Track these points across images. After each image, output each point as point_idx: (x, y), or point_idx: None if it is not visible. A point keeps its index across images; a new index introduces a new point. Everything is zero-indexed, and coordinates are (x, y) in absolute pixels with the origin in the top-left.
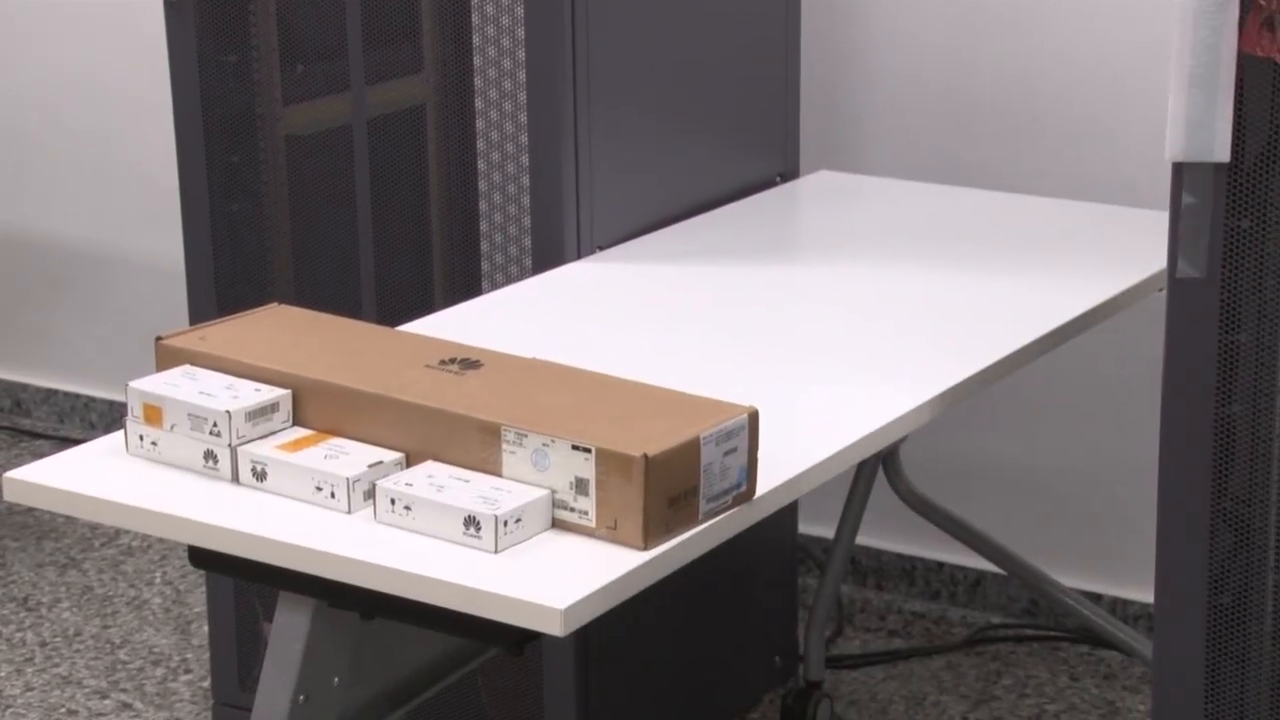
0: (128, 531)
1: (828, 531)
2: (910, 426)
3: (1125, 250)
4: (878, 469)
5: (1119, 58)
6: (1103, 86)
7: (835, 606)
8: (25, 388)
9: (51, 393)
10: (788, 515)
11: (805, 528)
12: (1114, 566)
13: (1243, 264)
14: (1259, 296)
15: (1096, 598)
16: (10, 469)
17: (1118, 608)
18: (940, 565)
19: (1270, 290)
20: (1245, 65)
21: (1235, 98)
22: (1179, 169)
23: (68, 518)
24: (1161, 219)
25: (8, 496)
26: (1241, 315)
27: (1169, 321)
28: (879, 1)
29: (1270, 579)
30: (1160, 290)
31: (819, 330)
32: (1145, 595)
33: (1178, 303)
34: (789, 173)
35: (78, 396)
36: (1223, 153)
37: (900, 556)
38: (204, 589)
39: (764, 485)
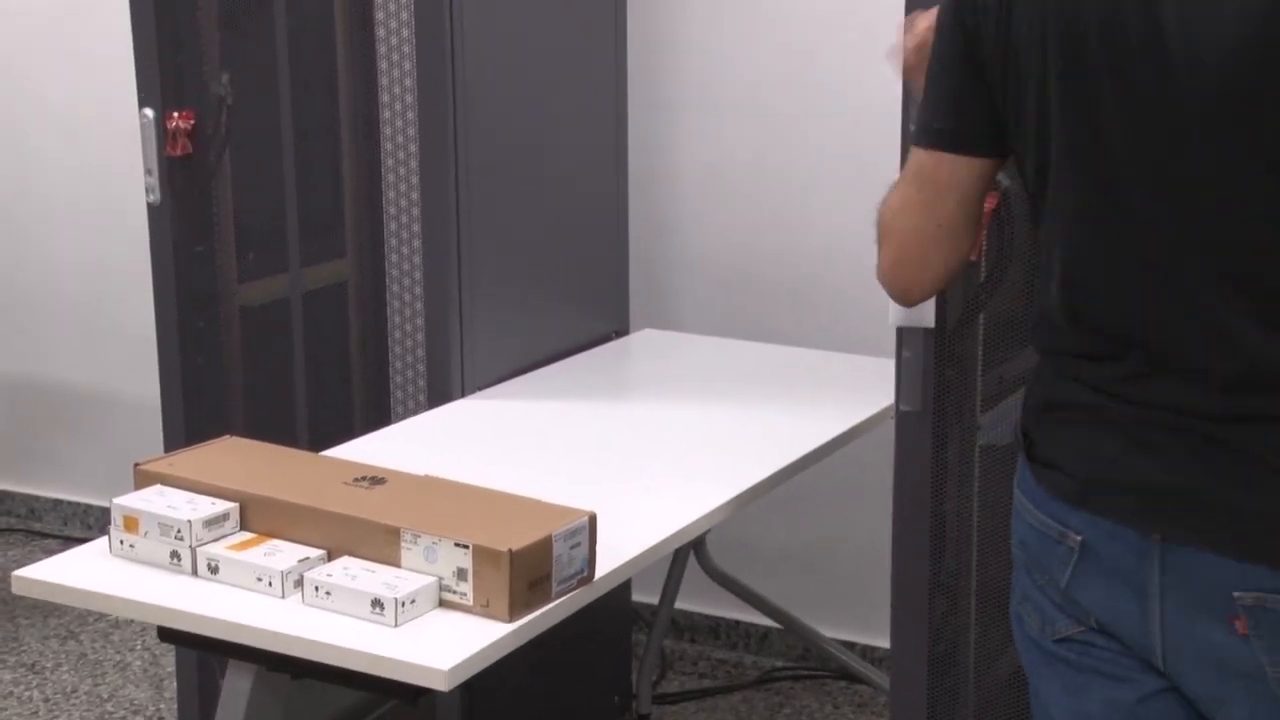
0: None
1: (653, 599)
2: (712, 521)
3: (870, 389)
4: (689, 552)
5: (863, 244)
6: (853, 266)
7: (660, 656)
8: (37, 498)
9: (58, 502)
10: (623, 588)
11: (637, 596)
12: (864, 621)
13: (948, 401)
14: (960, 425)
15: (851, 645)
16: (27, 563)
17: (867, 653)
18: (737, 623)
19: (968, 420)
20: None
21: None
22: (900, 332)
23: None
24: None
25: (16, 590)
26: (948, 438)
27: (897, 442)
28: (688, 198)
29: (972, 634)
30: (893, 418)
31: (644, 450)
32: (885, 642)
33: (901, 429)
34: (621, 330)
35: (78, 504)
36: (930, 321)
37: (707, 617)
38: (174, 654)
39: (602, 569)
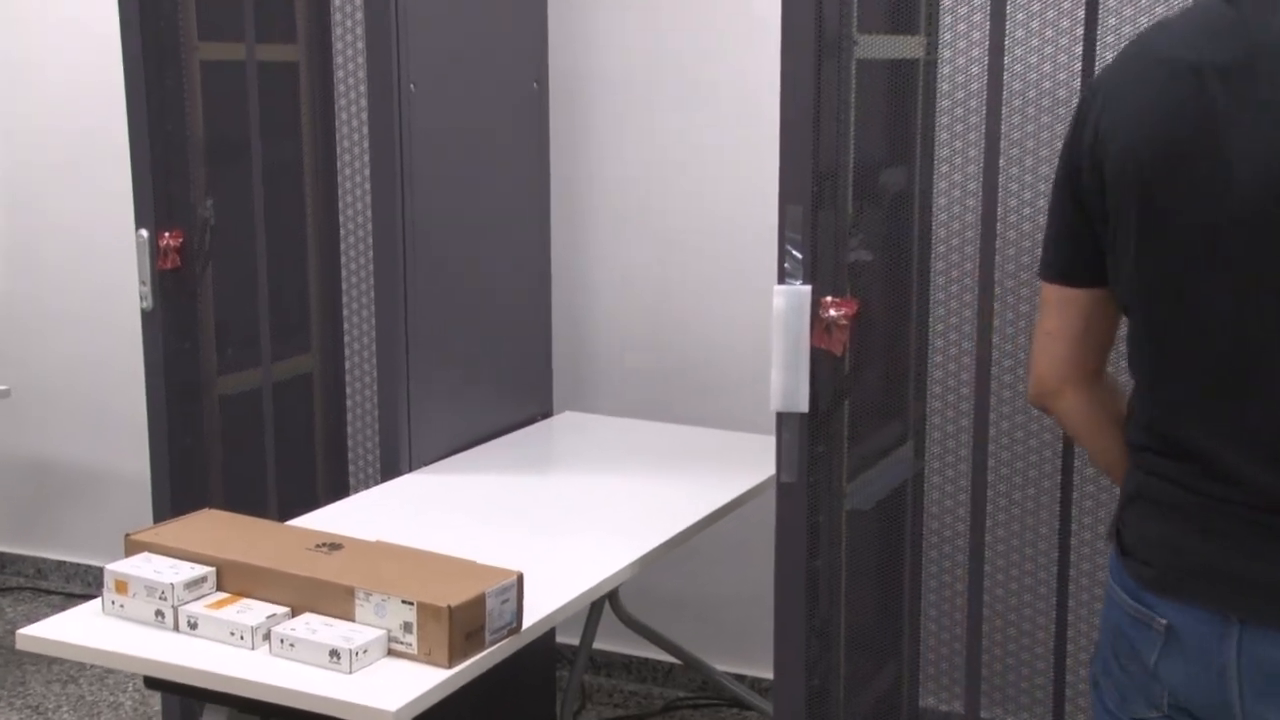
0: None
1: (574, 640)
2: (624, 577)
3: (755, 463)
4: (605, 602)
5: (754, 340)
6: (745, 358)
7: (580, 690)
8: (43, 560)
9: (61, 563)
10: (548, 633)
11: (560, 639)
12: (751, 658)
13: (819, 473)
14: (830, 493)
15: (741, 678)
16: (35, 617)
17: (755, 684)
18: (645, 660)
19: (836, 489)
20: (815, 353)
21: (810, 373)
22: (780, 415)
23: None
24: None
25: (21, 646)
26: (820, 505)
27: (777, 507)
28: (602, 301)
29: (841, 670)
30: (774, 487)
31: (565, 517)
32: (770, 675)
33: (781, 496)
34: (546, 412)
35: (79, 565)
36: (804, 406)
37: (622, 655)
38: (160, 698)
39: (529, 620)
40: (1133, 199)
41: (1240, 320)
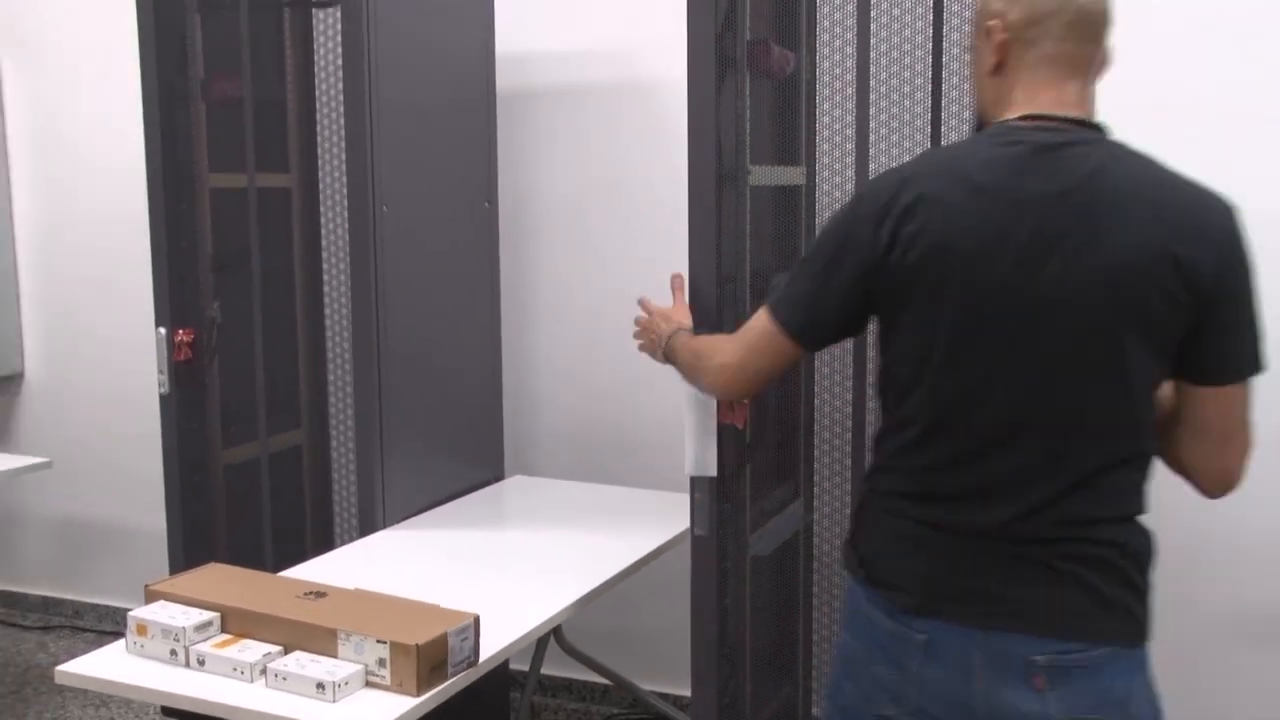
0: None
1: (525, 667)
2: (566, 615)
3: (674, 517)
4: (550, 635)
5: (671, 414)
6: (665, 428)
7: (530, 709)
8: (80, 603)
9: (95, 605)
10: (502, 662)
11: (513, 666)
12: (674, 678)
13: (726, 526)
14: (736, 543)
15: (665, 695)
16: (75, 652)
17: (677, 700)
18: (585, 683)
19: (741, 540)
20: (721, 428)
21: (717, 443)
22: (693, 479)
23: None
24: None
25: (59, 681)
26: (728, 552)
27: (692, 555)
28: (545, 382)
29: (747, 688)
30: (690, 539)
31: (516, 566)
32: (688, 692)
33: (695, 546)
34: (498, 476)
35: (109, 607)
36: (714, 471)
37: (565, 678)
38: None
39: (485, 654)
40: (932, 290)
41: (1005, 390)
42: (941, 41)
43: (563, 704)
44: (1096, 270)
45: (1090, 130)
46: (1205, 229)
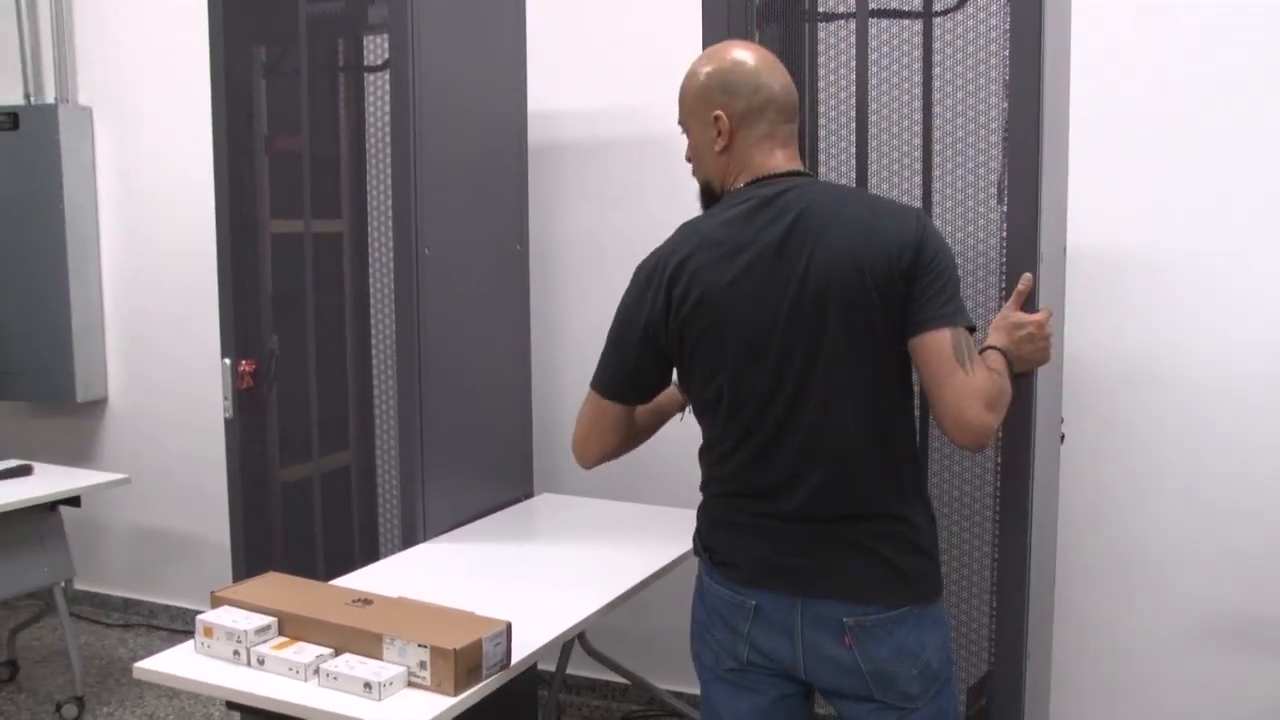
0: None
1: (552, 667)
2: (590, 622)
3: (690, 532)
4: (575, 639)
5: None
6: (682, 449)
7: (556, 706)
8: (155, 604)
9: (168, 606)
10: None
11: (541, 666)
12: (687, 678)
13: None
14: None
15: (680, 694)
16: (151, 650)
17: (693, 700)
18: (607, 682)
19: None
20: None
21: None
22: None
23: None
24: None
25: (136, 676)
26: None
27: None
28: (572, 405)
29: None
30: None
31: (544, 577)
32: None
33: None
34: (528, 494)
35: (181, 608)
36: None
37: (588, 678)
38: (239, 716)
39: (516, 657)
40: (706, 332)
41: (770, 405)
42: (932, 81)
43: (586, 701)
44: (814, 287)
45: (800, 177)
46: (880, 234)
